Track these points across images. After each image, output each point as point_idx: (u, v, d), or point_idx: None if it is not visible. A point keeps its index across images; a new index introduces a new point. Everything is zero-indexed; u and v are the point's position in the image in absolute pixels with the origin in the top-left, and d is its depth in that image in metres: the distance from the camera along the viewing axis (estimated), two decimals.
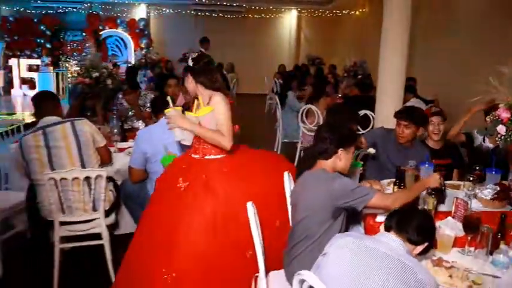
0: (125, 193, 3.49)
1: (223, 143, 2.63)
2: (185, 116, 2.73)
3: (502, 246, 2.06)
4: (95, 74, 4.04)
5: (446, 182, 2.80)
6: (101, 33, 14.21)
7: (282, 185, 2.62)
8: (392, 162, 3.31)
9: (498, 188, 2.72)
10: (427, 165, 2.99)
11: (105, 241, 3.16)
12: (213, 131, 2.65)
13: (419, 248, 1.76)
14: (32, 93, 13.01)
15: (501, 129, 2.24)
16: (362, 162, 3.27)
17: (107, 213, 3.22)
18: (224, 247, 2.43)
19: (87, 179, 2.96)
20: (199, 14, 15.16)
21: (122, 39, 14.20)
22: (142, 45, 13.86)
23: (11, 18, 14.21)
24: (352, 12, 13.95)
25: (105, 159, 3.32)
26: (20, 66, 13.49)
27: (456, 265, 1.95)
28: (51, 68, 13.49)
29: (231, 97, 6.12)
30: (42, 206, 3.07)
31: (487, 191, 2.75)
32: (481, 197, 2.71)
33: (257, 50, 14.94)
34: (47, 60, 13.74)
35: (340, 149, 2.33)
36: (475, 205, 2.65)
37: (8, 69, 13.63)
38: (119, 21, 14.33)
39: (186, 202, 2.54)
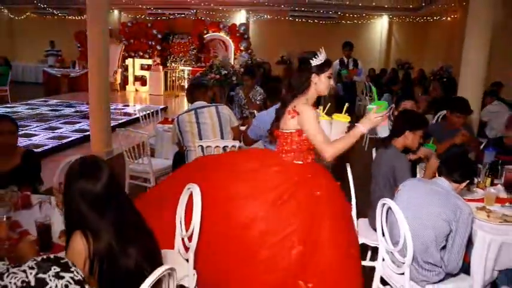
0: None
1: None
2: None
3: None
4: (224, 72, 5.20)
5: None
6: (205, 36, 15.71)
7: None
8: None
9: None
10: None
11: None
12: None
13: (463, 185, 2.59)
14: (143, 89, 14.80)
15: None
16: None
17: None
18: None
19: (225, 147, 4.04)
20: (296, 20, 16.19)
21: (223, 42, 15.56)
22: (242, 48, 15.11)
23: (129, 24, 16.12)
24: (443, 18, 14.22)
25: (237, 136, 4.34)
26: (134, 66, 15.31)
27: (496, 212, 2.74)
28: (161, 67, 15.15)
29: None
30: None
31: None
32: None
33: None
34: (157, 60, 15.36)
35: (407, 131, 3.18)
36: None
37: (124, 68, 15.54)
38: (221, 25, 15.72)
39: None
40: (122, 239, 1.72)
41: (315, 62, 2.57)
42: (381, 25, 16.64)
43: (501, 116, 6.49)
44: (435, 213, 2.42)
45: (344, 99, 6.16)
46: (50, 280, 1.24)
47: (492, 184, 3.29)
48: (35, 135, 7.71)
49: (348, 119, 2.69)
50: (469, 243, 2.52)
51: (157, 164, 4.79)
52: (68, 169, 1.78)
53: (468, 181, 2.62)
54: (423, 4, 14.01)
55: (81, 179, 1.71)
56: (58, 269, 1.27)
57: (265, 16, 16.38)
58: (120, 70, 15.29)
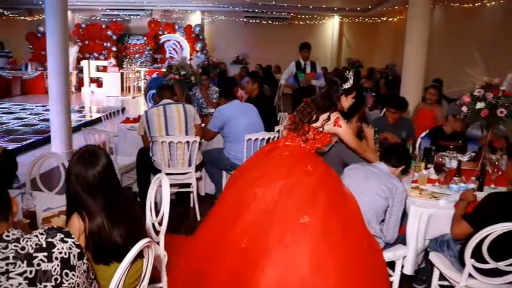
0: (207, 159, 4.83)
1: None
2: None
3: (456, 179, 3.28)
4: (183, 72, 5.49)
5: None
6: (160, 37, 15.84)
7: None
8: None
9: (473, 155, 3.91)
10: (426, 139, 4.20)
11: (194, 188, 4.54)
12: None
13: (399, 169, 3.00)
14: (100, 90, 14.75)
15: (464, 109, 3.42)
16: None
17: (196, 169, 4.58)
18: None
19: (187, 143, 4.33)
20: (250, 21, 16.60)
21: (179, 43, 15.74)
22: (197, 49, 15.34)
23: (83, 25, 16.00)
24: (390, 19, 14.99)
25: (199, 133, 4.62)
26: (89, 67, 15.22)
27: (426, 190, 3.18)
28: (117, 68, 15.15)
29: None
30: (155, 157, 4.45)
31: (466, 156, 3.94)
32: (459, 159, 3.88)
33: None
34: (113, 61, 15.40)
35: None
36: (453, 164, 3.82)
37: (79, 70, 15.41)
38: (176, 26, 15.88)
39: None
40: (111, 220, 1.99)
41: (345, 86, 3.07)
42: (332, 26, 17.30)
43: None
44: (374, 192, 2.81)
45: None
46: (57, 243, 1.52)
47: (426, 167, 3.74)
48: None
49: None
50: (404, 216, 2.93)
51: (123, 160, 5.00)
52: (72, 156, 2.05)
53: (404, 166, 3.03)
54: (371, 6, 14.68)
55: (78, 164, 1.97)
56: (62, 235, 1.56)
57: (220, 17, 16.67)
58: (75, 72, 15.15)
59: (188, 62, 5.80)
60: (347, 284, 2.39)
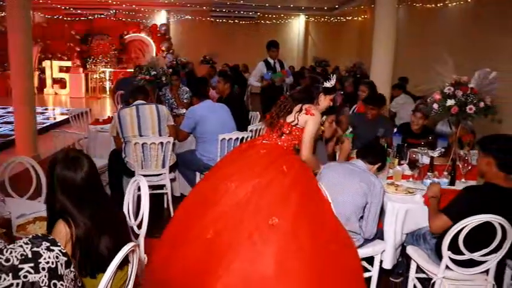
0: (180, 161, 4.78)
1: None
2: None
3: (429, 174, 3.37)
4: (153, 72, 5.40)
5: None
6: (125, 37, 15.57)
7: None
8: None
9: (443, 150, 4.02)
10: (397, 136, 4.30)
11: (168, 190, 4.49)
12: None
13: (376, 166, 3.06)
14: (63, 91, 14.37)
15: (435, 106, 3.52)
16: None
17: (170, 170, 4.53)
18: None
19: (161, 144, 4.28)
20: (217, 20, 16.54)
21: (144, 43, 15.49)
22: (164, 48, 15.16)
23: (44, 25, 15.53)
24: (355, 18, 15.25)
25: (172, 134, 4.56)
26: (52, 68, 14.82)
27: (402, 186, 3.25)
28: (81, 69, 14.81)
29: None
30: (128, 159, 4.37)
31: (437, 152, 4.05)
32: (431, 155, 3.99)
33: None
34: (77, 62, 14.99)
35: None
36: (426, 160, 3.92)
37: (41, 71, 14.94)
38: (142, 26, 15.65)
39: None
40: (98, 229, 1.94)
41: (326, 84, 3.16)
42: (298, 25, 17.45)
43: (408, 107, 7.24)
44: (354, 190, 2.86)
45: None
46: (43, 252, 1.47)
47: (399, 164, 3.82)
48: None
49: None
50: (381, 212, 2.99)
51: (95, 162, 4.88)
52: (51, 159, 1.98)
53: (380, 163, 3.09)
54: (338, 5, 14.89)
55: (63, 169, 1.91)
56: (48, 244, 1.50)
57: (186, 16, 16.53)
58: (36, 73, 14.69)
59: (159, 62, 5.68)
60: (310, 286, 2.37)
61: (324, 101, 3.17)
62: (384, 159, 3.24)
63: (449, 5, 9.39)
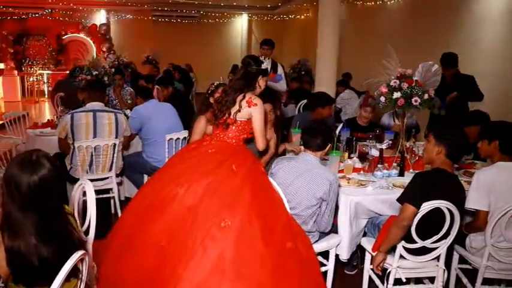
0: (126, 164, 4.61)
1: None
2: None
3: (379, 166, 3.43)
4: (95, 72, 5.18)
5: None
6: (63, 37, 14.94)
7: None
8: None
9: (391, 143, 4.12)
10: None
11: (115, 193, 4.33)
12: None
13: (326, 149, 3.03)
14: None
15: (382, 99, 3.60)
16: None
17: (117, 175, 4.36)
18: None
19: (114, 145, 4.10)
20: (159, 19, 16.21)
21: (84, 43, 14.94)
22: (104, 49, 14.68)
23: None
24: (298, 16, 15.45)
25: (125, 145, 4.46)
26: None
27: (353, 179, 3.29)
28: (16, 71, 14.05)
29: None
30: (73, 165, 4.15)
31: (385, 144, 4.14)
32: (380, 147, 4.07)
33: (212, 52, 16.09)
34: (11, 63, 14.21)
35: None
36: (374, 152, 3.99)
37: None
38: (80, 26, 15.07)
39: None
40: (42, 242, 1.78)
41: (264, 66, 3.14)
42: (241, 24, 17.44)
43: (352, 102, 7.41)
44: (311, 195, 2.83)
45: None
46: None
47: (349, 157, 3.87)
48: None
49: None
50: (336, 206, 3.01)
51: None
52: (14, 156, 1.81)
53: (330, 144, 3.08)
54: (280, 4, 15.01)
55: (14, 167, 1.75)
56: None
57: (127, 16, 16.09)
58: None
59: (100, 61, 5.46)
60: (268, 285, 2.33)
61: (262, 84, 3.13)
62: (330, 139, 3.19)
63: (388, 3, 9.72)
